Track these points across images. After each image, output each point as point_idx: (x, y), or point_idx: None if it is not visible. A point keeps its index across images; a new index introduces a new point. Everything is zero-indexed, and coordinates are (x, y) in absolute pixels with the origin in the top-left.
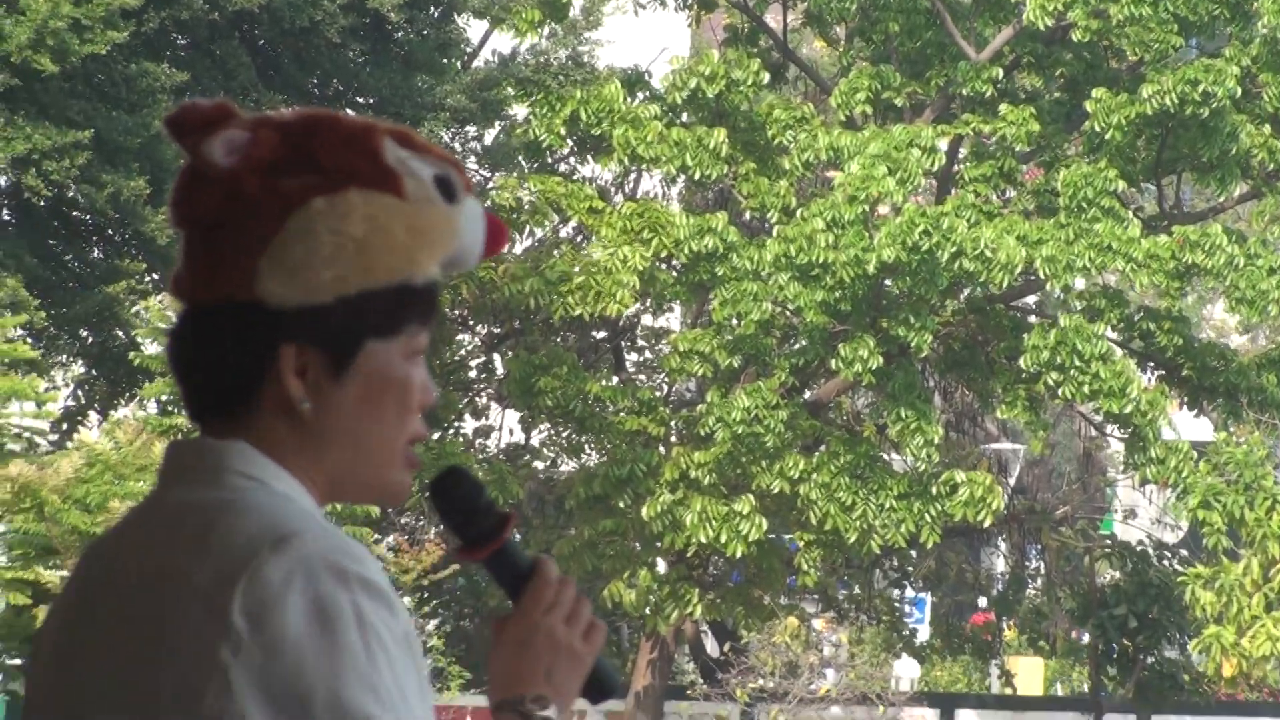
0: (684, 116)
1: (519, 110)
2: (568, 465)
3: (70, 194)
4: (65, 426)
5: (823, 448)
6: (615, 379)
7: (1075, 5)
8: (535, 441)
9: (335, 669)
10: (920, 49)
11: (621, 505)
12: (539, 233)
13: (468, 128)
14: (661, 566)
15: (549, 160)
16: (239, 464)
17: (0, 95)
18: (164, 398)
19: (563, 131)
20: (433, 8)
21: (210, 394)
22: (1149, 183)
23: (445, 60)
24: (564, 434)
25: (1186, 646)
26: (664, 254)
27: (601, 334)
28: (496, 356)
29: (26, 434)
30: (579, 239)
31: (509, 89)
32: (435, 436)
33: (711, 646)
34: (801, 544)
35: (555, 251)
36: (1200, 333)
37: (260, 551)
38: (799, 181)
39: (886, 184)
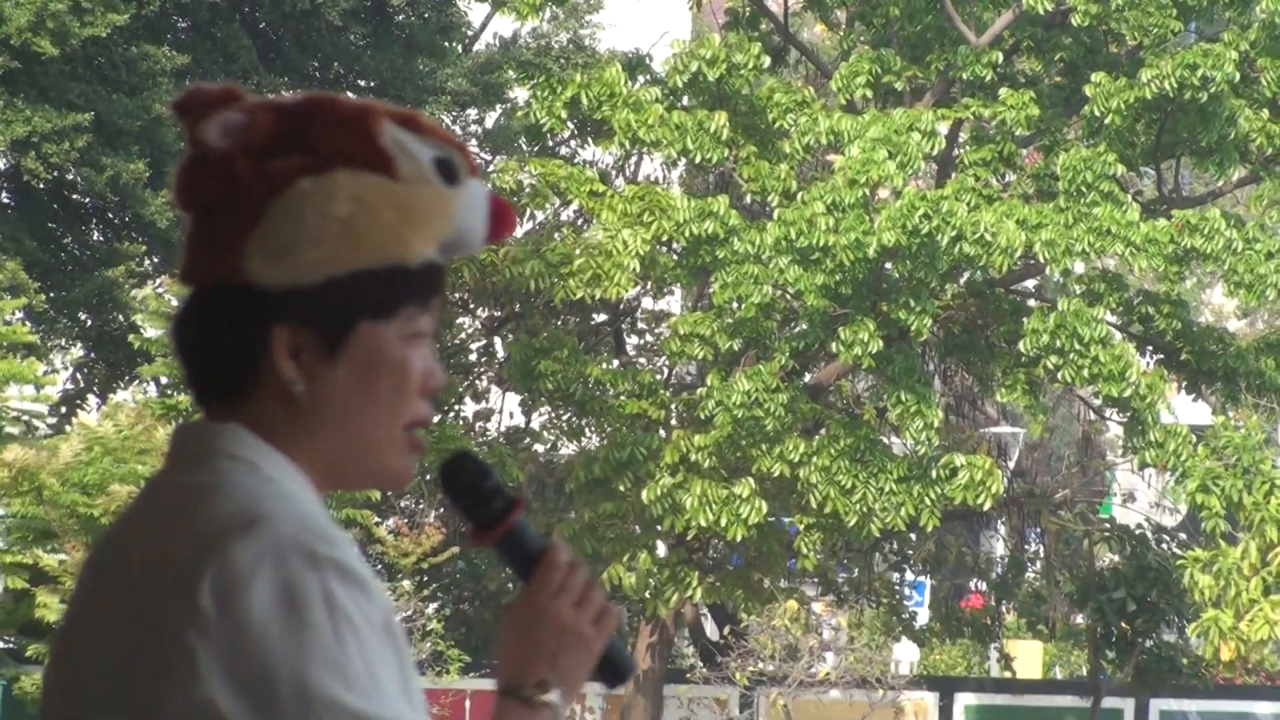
0: (685, 100)
1: (520, 93)
2: (568, 448)
3: (70, 177)
4: (64, 410)
5: (823, 431)
6: (616, 362)
7: None
8: (535, 424)
9: (302, 652)
10: (920, 33)
11: (621, 488)
12: (540, 216)
13: (469, 111)
14: (661, 550)
15: (550, 143)
16: (229, 446)
17: (0, 78)
18: (163, 380)
19: (564, 115)
20: None
21: (210, 377)
22: (1148, 167)
23: (446, 43)
24: (564, 417)
25: (1185, 630)
26: (665, 237)
27: (602, 317)
28: (497, 339)
29: (25, 417)
30: (580, 222)
31: (510, 72)
32: (435, 420)
33: (711, 630)
34: (801, 527)
35: (556, 235)
36: (1199, 317)
37: (231, 533)
38: (799, 165)
39: (887, 168)
